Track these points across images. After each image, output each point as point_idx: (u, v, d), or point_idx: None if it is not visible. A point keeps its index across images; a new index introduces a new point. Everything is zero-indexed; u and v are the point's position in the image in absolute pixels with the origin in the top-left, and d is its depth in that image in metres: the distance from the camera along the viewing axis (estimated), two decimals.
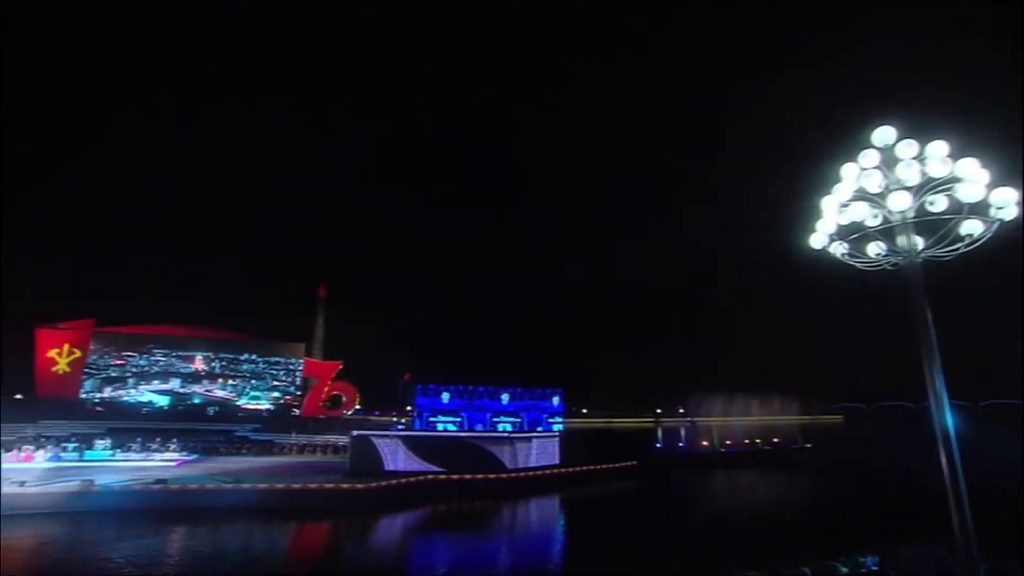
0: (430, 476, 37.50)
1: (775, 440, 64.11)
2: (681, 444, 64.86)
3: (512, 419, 43.83)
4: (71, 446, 38.70)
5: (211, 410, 50.41)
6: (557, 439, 44.27)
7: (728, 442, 62.80)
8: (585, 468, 44.08)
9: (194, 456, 40.44)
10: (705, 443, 62.72)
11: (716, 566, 19.57)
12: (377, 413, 55.86)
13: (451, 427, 41.61)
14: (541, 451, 42.42)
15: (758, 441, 63.46)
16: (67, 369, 48.67)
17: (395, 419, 52.28)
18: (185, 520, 28.57)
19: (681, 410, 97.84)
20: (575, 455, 45.31)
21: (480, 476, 38.52)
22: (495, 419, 43.37)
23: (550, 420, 45.05)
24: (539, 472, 41.52)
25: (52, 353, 48.22)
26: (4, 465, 33.90)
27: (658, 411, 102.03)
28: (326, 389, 52.72)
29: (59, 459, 36.59)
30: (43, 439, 39.51)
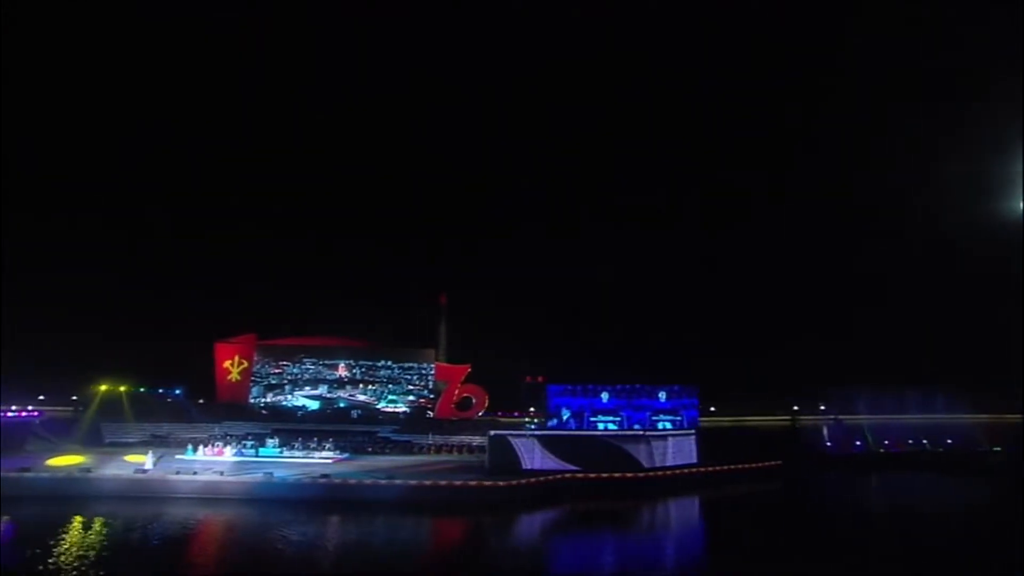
0: (567, 475, 38.28)
1: (948, 441, 56.89)
2: (828, 444, 59.87)
3: (672, 417, 43.63)
4: (249, 444, 44.79)
5: (355, 413, 55.46)
6: (694, 437, 43.10)
7: (886, 442, 56.88)
8: (724, 468, 42.35)
9: (346, 455, 44.83)
10: (858, 443, 57.31)
11: None
12: (517, 414, 57.92)
13: (612, 426, 42.40)
14: (678, 450, 41.55)
15: (925, 442, 56.69)
16: (238, 377, 56.31)
17: (527, 419, 53.94)
18: (348, 510, 31.92)
19: (823, 407, 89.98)
20: (712, 454, 43.76)
21: (617, 475, 38.61)
22: (654, 417, 43.33)
23: (654, 418, 44.39)
24: (676, 471, 40.69)
25: (227, 364, 56.09)
26: (204, 458, 40.35)
27: (795, 408, 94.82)
28: (457, 392, 55.77)
29: (241, 455, 42.60)
30: (229, 437, 46.12)
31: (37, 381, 60.97)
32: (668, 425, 43.50)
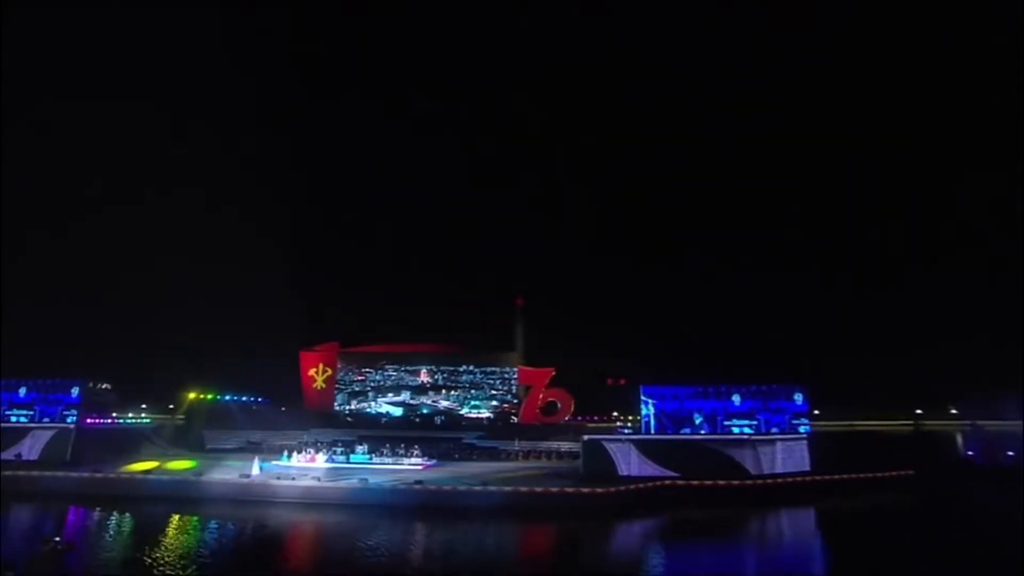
0: (666, 481, 38.24)
1: None
2: (970, 452, 55.48)
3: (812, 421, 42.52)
4: (339, 450, 47.86)
5: (438, 419, 57.91)
6: (806, 442, 41.59)
7: None
8: (844, 477, 40.52)
9: (433, 461, 46.94)
10: (1010, 452, 52.58)
11: None
12: (602, 418, 58.31)
13: (748, 430, 41.87)
14: (788, 455, 40.33)
15: None
16: (323, 385, 60.33)
17: (619, 424, 54.18)
18: (444, 516, 33.42)
19: (954, 411, 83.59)
20: (826, 461, 41.97)
21: (722, 482, 38.10)
22: (794, 421, 42.38)
23: (795, 421, 42.76)
24: (787, 479, 39.53)
25: (312, 372, 60.27)
26: (298, 464, 43.65)
27: (918, 412, 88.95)
28: (541, 396, 56.81)
29: (333, 461, 45.64)
30: (319, 444, 49.53)
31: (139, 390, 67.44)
32: (807, 429, 42.28)
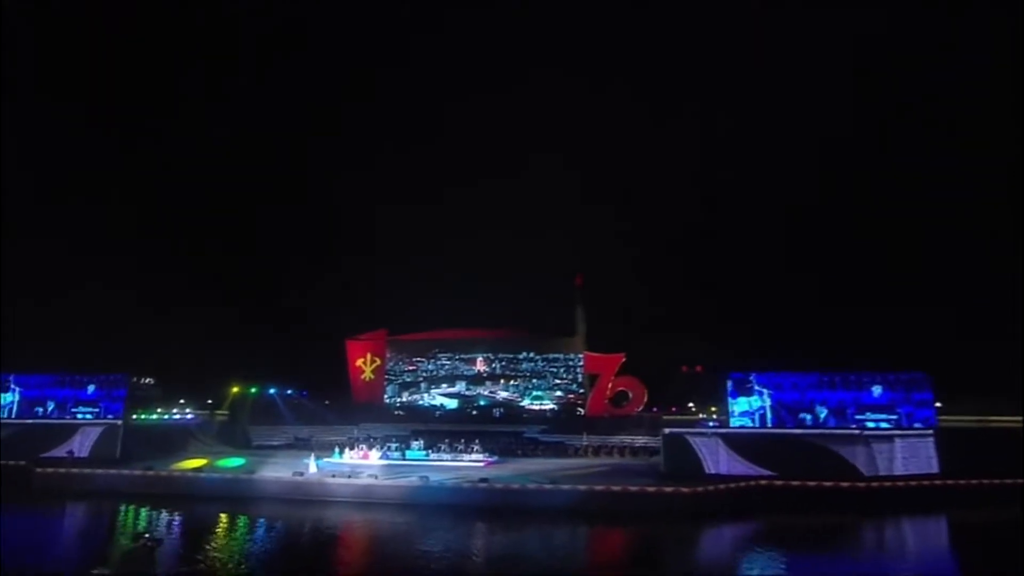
0: (761, 481, 36.72)
1: None
2: None
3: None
4: (394, 446, 48.44)
5: (497, 412, 57.71)
6: (932, 439, 38.82)
7: None
8: (983, 482, 37.12)
9: (495, 457, 46.84)
10: None
11: None
12: (674, 410, 56.83)
13: (884, 424, 39.66)
14: (910, 454, 37.70)
15: None
16: (371, 376, 61.02)
17: (702, 416, 52.73)
18: (515, 517, 33.02)
19: None
20: (957, 462, 38.98)
21: (827, 484, 36.13)
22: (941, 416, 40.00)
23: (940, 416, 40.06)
24: (910, 483, 37.11)
25: (359, 362, 61.01)
26: (351, 461, 44.36)
27: None
28: (610, 385, 55.73)
29: (387, 457, 46.17)
30: (372, 439, 50.34)
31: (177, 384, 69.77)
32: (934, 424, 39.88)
